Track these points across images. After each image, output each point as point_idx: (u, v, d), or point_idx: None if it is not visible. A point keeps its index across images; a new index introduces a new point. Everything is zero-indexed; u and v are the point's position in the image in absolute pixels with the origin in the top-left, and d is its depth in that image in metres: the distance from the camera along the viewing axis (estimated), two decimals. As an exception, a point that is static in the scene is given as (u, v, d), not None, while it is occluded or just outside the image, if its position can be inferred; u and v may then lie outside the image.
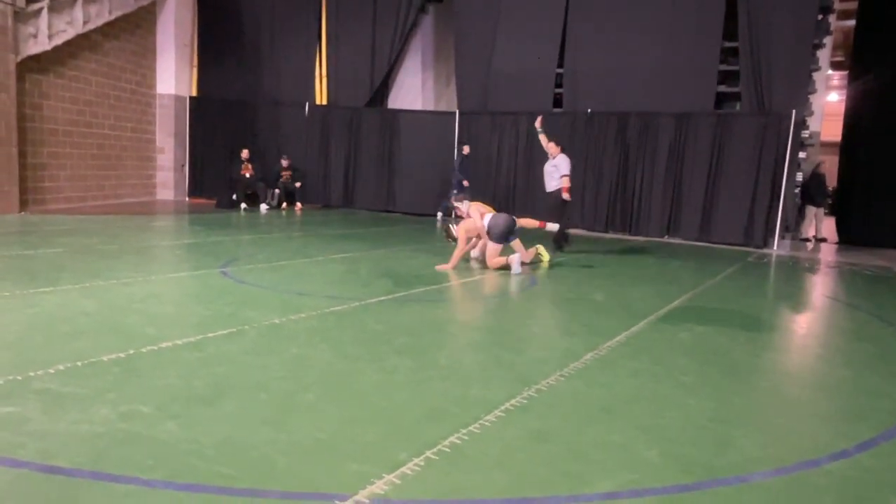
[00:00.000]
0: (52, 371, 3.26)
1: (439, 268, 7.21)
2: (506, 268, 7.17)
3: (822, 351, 4.83)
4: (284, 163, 13.97)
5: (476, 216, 7.43)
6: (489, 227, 7.22)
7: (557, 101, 13.02)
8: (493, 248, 7.24)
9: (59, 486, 2.21)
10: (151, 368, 3.42)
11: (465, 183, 12.48)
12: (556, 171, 8.78)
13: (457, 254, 7.28)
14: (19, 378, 3.15)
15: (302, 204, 14.12)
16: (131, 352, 3.65)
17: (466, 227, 7.35)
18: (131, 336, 3.97)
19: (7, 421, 2.68)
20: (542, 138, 9.14)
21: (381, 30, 14.27)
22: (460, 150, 13.07)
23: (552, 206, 8.79)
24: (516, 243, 7.48)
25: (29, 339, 3.83)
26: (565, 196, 8.74)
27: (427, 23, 14.96)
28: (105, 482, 2.24)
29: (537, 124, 9.27)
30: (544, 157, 12.83)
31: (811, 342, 5.16)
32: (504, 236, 7.20)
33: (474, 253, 7.80)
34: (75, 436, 2.58)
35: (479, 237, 7.56)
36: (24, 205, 10.77)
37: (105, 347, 3.69)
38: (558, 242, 9.13)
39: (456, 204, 8.24)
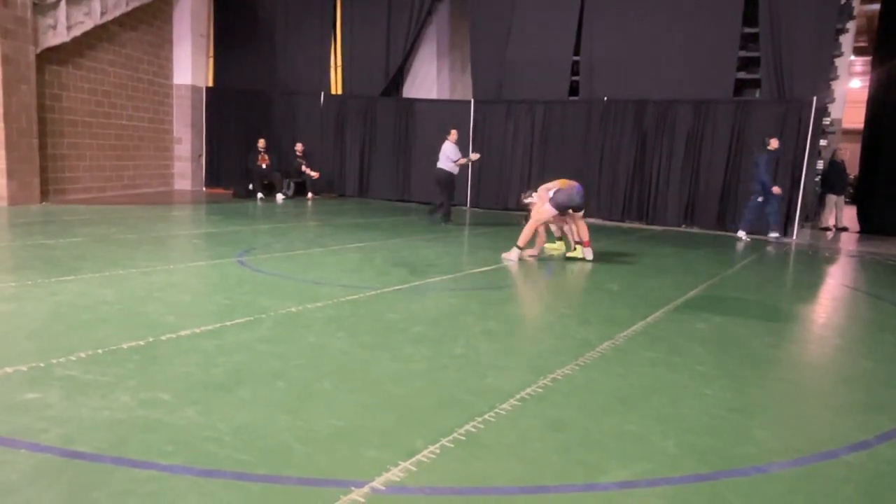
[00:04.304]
0: (73, 358, 3.32)
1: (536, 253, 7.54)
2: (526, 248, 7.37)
3: (841, 341, 4.77)
4: (299, 150, 14.06)
5: (541, 202, 7.24)
6: (555, 194, 7.09)
7: (573, 89, 12.91)
8: (548, 209, 7.11)
9: (81, 471, 2.24)
10: (171, 356, 3.46)
11: (777, 190, 10.00)
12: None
13: (541, 231, 7.42)
14: (42, 365, 3.20)
15: (313, 194, 14.16)
16: (151, 340, 3.69)
17: (540, 210, 7.21)
18: (151, 324, 4.02)
19: (30, 406, 2.73)
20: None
21: (396, 18, 14.22)
22: (764, 143, 10.15)
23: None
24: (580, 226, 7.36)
25: (51, 327, 3.89)
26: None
27: (442, 10, 14.88)
28: (126, 467, 2.27)
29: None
30: (560, 145, 12.82)
31: (830, 332, 5.09)
32: (564, 207, 7.11)
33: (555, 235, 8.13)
34: (96, 421, 2.62)
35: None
36: (44, 195, 10.92)
37: (125, 335, 3.74)
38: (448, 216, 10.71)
39: (525, 201, 7.67)
